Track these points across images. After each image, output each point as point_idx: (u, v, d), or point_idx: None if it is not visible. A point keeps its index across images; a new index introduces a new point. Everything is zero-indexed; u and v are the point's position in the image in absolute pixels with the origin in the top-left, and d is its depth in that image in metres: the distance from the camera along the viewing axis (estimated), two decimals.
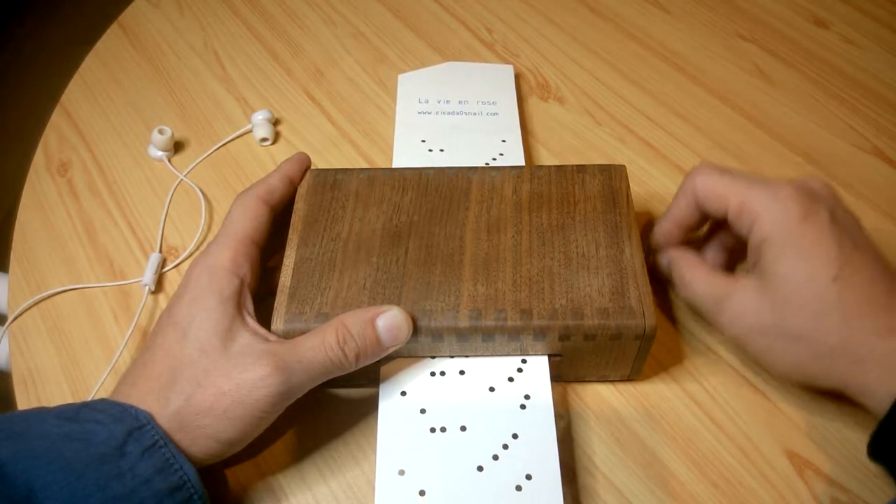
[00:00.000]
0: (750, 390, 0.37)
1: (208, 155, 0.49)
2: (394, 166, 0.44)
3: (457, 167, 0.39)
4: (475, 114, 0.48)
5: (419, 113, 0.48)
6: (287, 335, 0.33)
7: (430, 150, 0.45)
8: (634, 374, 0.36)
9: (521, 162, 0.44)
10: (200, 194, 0.46)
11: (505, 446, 0.32)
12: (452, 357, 0.35)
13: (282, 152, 0.49)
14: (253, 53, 0.55)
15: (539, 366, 0.34)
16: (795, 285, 0.31)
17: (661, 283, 0.41)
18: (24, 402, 0.38)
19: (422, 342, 0.34)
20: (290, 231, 0.36)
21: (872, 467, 0.34)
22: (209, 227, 0.45)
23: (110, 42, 0.57)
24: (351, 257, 0.35)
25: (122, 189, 0.47)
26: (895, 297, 0.31)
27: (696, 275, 0.35)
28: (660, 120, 0.50)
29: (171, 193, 0.46)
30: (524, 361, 0.35)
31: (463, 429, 0.33)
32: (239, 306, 0.33)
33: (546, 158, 0.48)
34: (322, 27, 0.57)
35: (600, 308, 0.33)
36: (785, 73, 0.52)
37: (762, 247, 0.32)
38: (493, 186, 0.38)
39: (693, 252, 0.37)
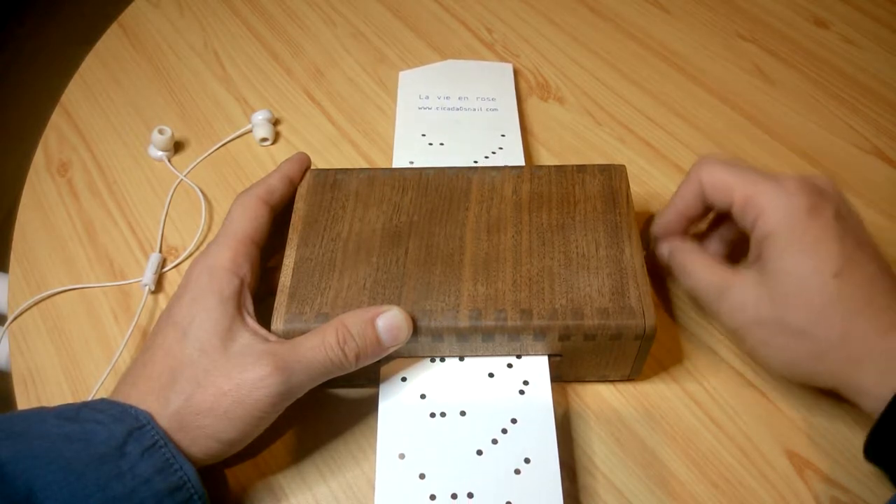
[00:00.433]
0: (750, 390, 0.37)
1: (208, 155, 0.49)
2: (394, 159, 0.45)
3: (457, 167, 0.39)
4: (475, 109, 0.48)
5: (419, 108, 0.48)
6: (287, 335, 0.33)
7: (431, 144, 0.45)
8: (634, 374, 0.36)
9: (520, 156, 0.45)
10: (200, 194, 0.46)
11: (504, 431, 0.32)
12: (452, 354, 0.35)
13: (282, 152, 0.49)
14: (253, 53, 0.55)
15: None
16: (797, 280, 0.31)
17: (661, 283, 0.41)
18: (24, 402, 0.38)
19: (422, 342, 0.34)
20: (290, 231, 0.36)
21: (872, 467, 0.34)
22: (209, 227, 0.45)
23: (110, 42, 0.57)
24: (351, 257, 0.35)
25: (122, 189, 0.47)
26: (895, 296, 0.31)
27: (697, 265, 0.35)
28: (660, 120, 0.50)
29: (171, 193, 0.46)
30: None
31: (463, 413, 0.33)
32: (239, 306, 0.33)
33: (546, 158, 0.48)
34: (322, 27, 0.57)
35: (600, 308, 0.33)
36: (785, 73, 0.52)
37: (766, 241, 0.32)
38: (493, 186, 0.38)
39: (695, 242, 0.37)
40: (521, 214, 0.37)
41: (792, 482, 0.34)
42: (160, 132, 0.47)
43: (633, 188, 0.45)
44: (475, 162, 0.44)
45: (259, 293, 0.35)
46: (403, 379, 0.34)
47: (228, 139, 0.49)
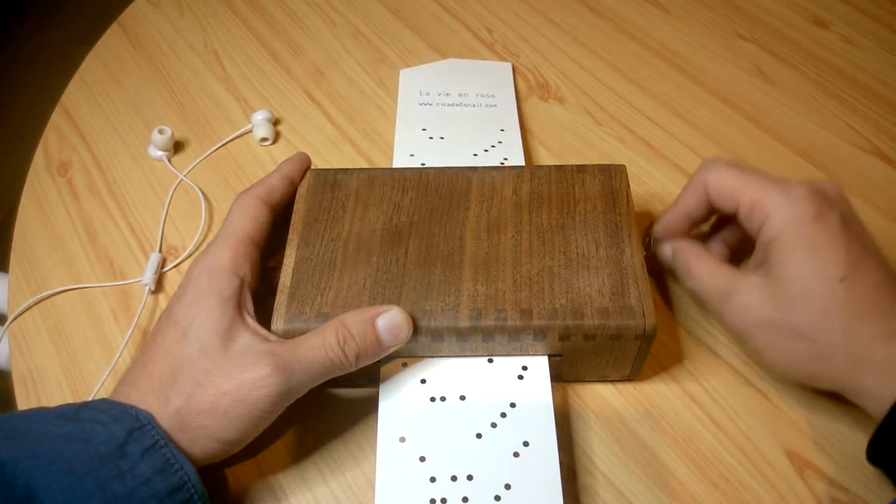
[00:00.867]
0: (750, 390, 0.37)
1: (208, 155, 0.49)
2: (395, 152, 0.45)
3: (457, 167, 0.39)
4: (474, 106, 0.49)
5: (420, 104, 0.49)
6: (287, 335, 0.33)
7: (431, 138, 0.46)
8: (634, 374, 0.36)
9: (519, 150, 0.45)
10: (200, 194, 0.46)
11: (503, 415, 0.33)
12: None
13: (282, 152, 0.49)
14: (253, 53, 0.55)
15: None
16: (803, 284, 0.31)
17: (661, 283, 0.41)
18: (24, 402, 0.38)
19: (422, 342, 0.34)
20: (290, 231, 0.36)
21: (873, 468, 0.34)
22: (209, 227, 0.45)
23: (110, 42, 0.57)
24: (351, 257, 0.35)
25: (122, 189, 0.47)
26: None
27: (702, 266, 0.35)
28: (660, 120, 0.50)
29: (171, 193, 0.46)
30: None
31: (462, 398, 0.33)
32: (239, 306, 0.33)
33: (546, 158, 0.48)
34: (322, 27, 0.57)
35: (600, 308, 0.33)
36: (785, 73, 0.52)
37: (771, 245, 0.32)
38: (493, 186, 0.38)
39: (698, 243, 0.37)
40: (521, 214, 0.37)
41: (792, 482, 0.34)
42: (160, 132, 0.47)
43: (633, 188, 0.45)
44: (475, 155, 0.44)
45: (259, 293, 0.35)
46: (404, 364, 0.35)
47: (228, 139, 0.49)
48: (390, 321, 0.32)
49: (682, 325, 0.39)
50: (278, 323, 0.33)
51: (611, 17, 0.57)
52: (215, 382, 0.30)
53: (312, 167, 0.40)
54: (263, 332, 0.33)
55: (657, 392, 0.37)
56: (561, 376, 0.36)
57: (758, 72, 0.52)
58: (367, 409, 0.36)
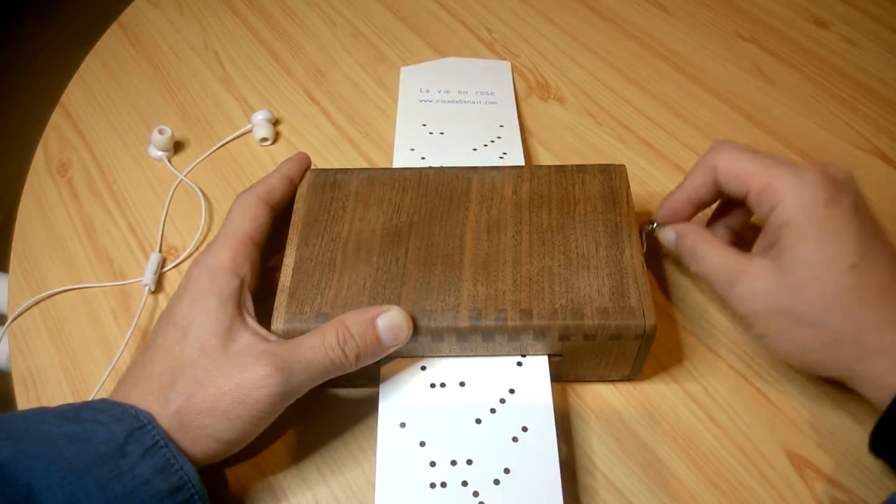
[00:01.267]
0: (750, 390, 0.37)
1: (208, 155, 0.49)
2: (396, 147, 0.45)
3: (457, 167, 0.39)
4: (474, 103, 0.49)
5: (420, 101, 0.49)
6: (287, 335, 0.33)
7: (431, 133, 0.46)
8: (634, 374, 0.36)
9: (517, 146, 0.45)
10: (200, 194, 0.46)
11: (502, 400, 0.33)
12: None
13: (282, 152, 0.49)
14: (253, 53, 0.55)
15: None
16: (814, 269, 0.31)
17: (661, 283, 0.41)
18: (24, 402, 0.38)
19: (422, 342, 0.34)
20: (290, 231, 0.36)
21: (872, 467, 0.34)
22: (209, 227, 0.45)
23: (110, 42, 0.57)
24: (351, 257, 0.35)
25: (122, 189, 0.47)
26: None
27: (709, 249, 0.35)
28: (660, 120, 0.50)
29: (171, 193, 0.46)
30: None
31: (462, 384, 0.34)
32: (239, 306, 0.33)
33: (546, 158, 0.48)
34: (322, 27, 0.57)
35: (600, 308, 0.33)
36: (785, 73, 0.52)
37: (782, 229, 0.32)
38: (493, 186, 0.38)
39: (703, 227, 0.37)
40: (521, 214, 0.37)
41: (792, 482, 0.34)
42: (160, 132, 0.47)
43: (633, 188, 0.45)
44: (474, 150, 0.45)
45: (259, 293, 0.35)
46: None
47: (228, 139, 0.49)
48: (390, 321, 0.32)
49: (682, 325, 0.39)
50: (278, 323, 0.33)
51: (611, 17, 0.57)
52: (215, 382, 0.30)
53: (312, 167, 0.40)
54: (263, 332, 0.33)
55: (657, 392, 0.37)
56: (561, 376, 0.36)
57: (758, 72, 0.52)
58: (367, 409, 0.36)
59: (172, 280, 0.43)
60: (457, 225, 0.36)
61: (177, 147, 0.49)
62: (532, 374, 0.34)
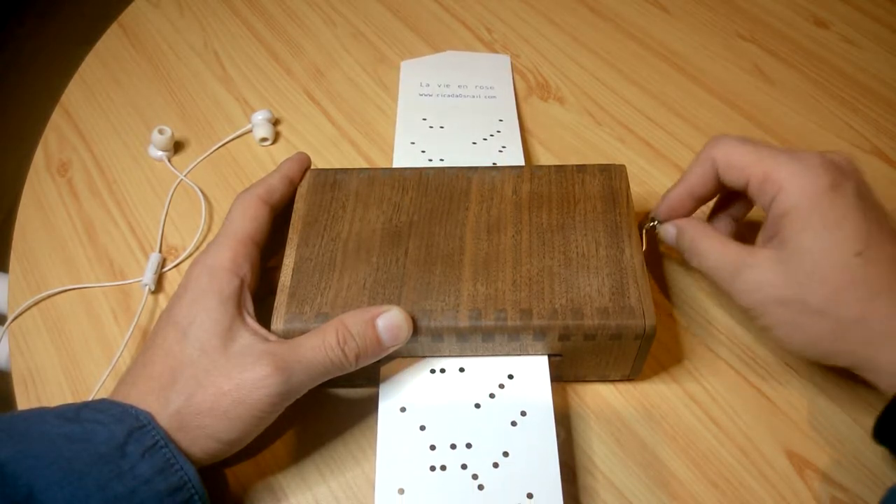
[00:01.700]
0: (750, 390, 0.37)
1: (208, 155, 0.49)
2: (396, 141, 0.45)
3: (457, 167, 0.39)
4: (474, 97, 0.50)
5: (420, 95, 0.50)
6: (287, 335, 0.33)
7: (431, 127, 0.47)
8: (634, 374, 0.36)
9: (516, 141, 0.45)
10: (200, 194, 0.46)
11: (501, 386, 0.34)
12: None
13: (282, 152, 0.49)
14: (253, 53, 0.55)
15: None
16: (819, 257, 0.31)
17: (661, 282, 0.41)
18: (24, 402, 0.38)
19: (422, 342, 0.34)
20: (290, 231, 0.36)
21: (872, 466, 0.34)
22: (209, 227, 0.45)
23: (110, 42, 0.57)
24: (351, 257, 0.35)
25: (122, 189, 0.47)
26: None
27: (711, 244, 0.34)
28: (660, 120, 0.50)
29: (171, 193, 0.46)
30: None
31: (461, 370, 0.34)
32: (239, 306, 0.33)
33: (546, 158, 0.48)
34: (322, 27, 0.57)
35: (600, 308, 0.33)
36: (785, 73, 0.52)
37: (785, 218, 0.31)
38: (493, 186, 0.38)
39: (704, 221, 0.37)
40: (521, 214, 0.37)
41: (792, 482, 0.34)
42: (160, 132, 0.47)
43: (633, 188, 0.45)
44: (473, 143, 0.45)
45: (259, 293, 0.35)
46: None
47: (228, 139, 0.49)
48: (390, 321, 0.32)
49: (682, 325, 0.39)
50: (278, 323, 0.33)
51: (611, 17, 0.57)
52: (215, 382, 0.30)
53: (312, 167, 0.40)
54: (263, 332, 0.33)
55: (657, 392, 0.37)
56: (561, 376, 0.36)
57: (758, 72, 0.52)
58: (367, 409, 0.36)
59: (172, 280, 0.43)
60: (457, 225, 0.36)
61: (177, 147, 0.49)
62: (530, 359, 0.34)
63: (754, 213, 0.37)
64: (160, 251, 0.44)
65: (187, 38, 0.57)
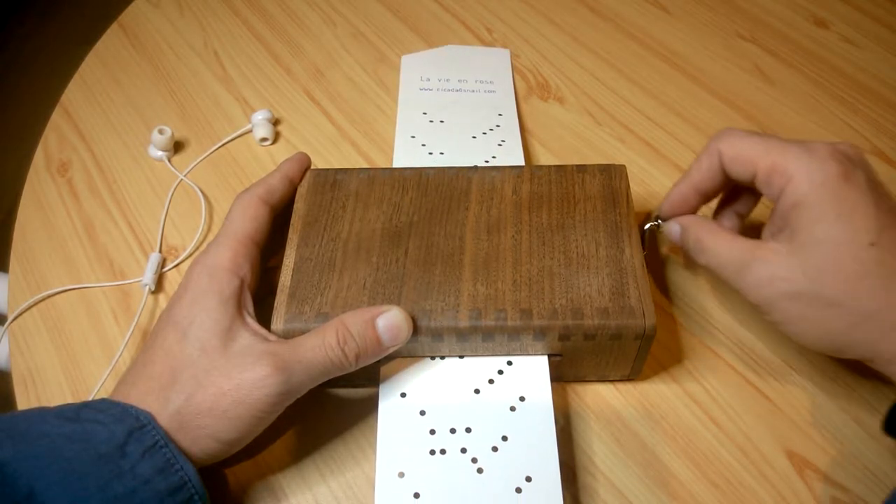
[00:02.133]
0: (750, 390, 0.37)
1: (208, 155, 0.49)
2: (397, 135, 0.46)
3: (457, 167, 0.39)
4: (473, 91, 0.50)
5: (421, 89, 0.50)
6: (287, 335, 0.33)
7: (431, 121, 0.47)
8: (634, 374, 0.36)
9: (516, 136, 0.46)
10: (200, 194, 0.46)
11: (500, 372, 0.34)
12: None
13: (282, 152, 0.49)
14: (253, 53, 0.55)
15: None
16: (832, 249, 0.30)
17: (661, 283, 0.41)
18: (24, 402, 0.38)
19: (422, 342, 0.34)
20: (290, 231, 0.36)
21: (873, 467, 0.34)
22: (209, 227, 0.45)
23: (110, 42, 0.57)
24: (351, 257, 0.35)
25: (122, 189, 0.47)
26: None
27: (717, 240, 0.34)
28: (660, 120, 0.50)
29: (171, 193, 0.46)
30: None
31: (461, 357, 0.35)
32: (239, 306, 0.33)
33: (546, 158, 0.48)
34: (322, 27, 0.57)
35: (600, 308, 0.33)
36: (785, 73, 0.52)
37: (795, 209, 0.31)
38: (493, 186, 0.38)
39: (708, 218, 0.36)
40: (521, 214, 0.37)
41: (792, 482, 0.34)
42: (160, 132, 0.47)
43: (633, 188, 0.45)
44: (473, 137, 0.46)
45: (259, 293, 0.35)
46: None
47: (228, 139, 0.49)
48: (390, 321, 0.32)
49: (682, 325, 0.39)
50: (278, 323, 0.33)
51: (611, 17, 0.57)
52: (215, 382, 0.30)
53: (312, 167, 0.40)
54: (263, 332, 0.33)
55: (657, 392, 0.37)
56: (561, 376, 0.36)
57: (758, 72, 0.52)
58: (367, 409, 0.36)
59: (172, 280, 0.43)
60: (457, 225, 0.36)
61: (177, 147, 0.49)
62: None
63: (756, 215, 0.37)
64: (160, 251, 0.44)
65: (187, 38, 0.57)
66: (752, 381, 0.37)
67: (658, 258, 0.42)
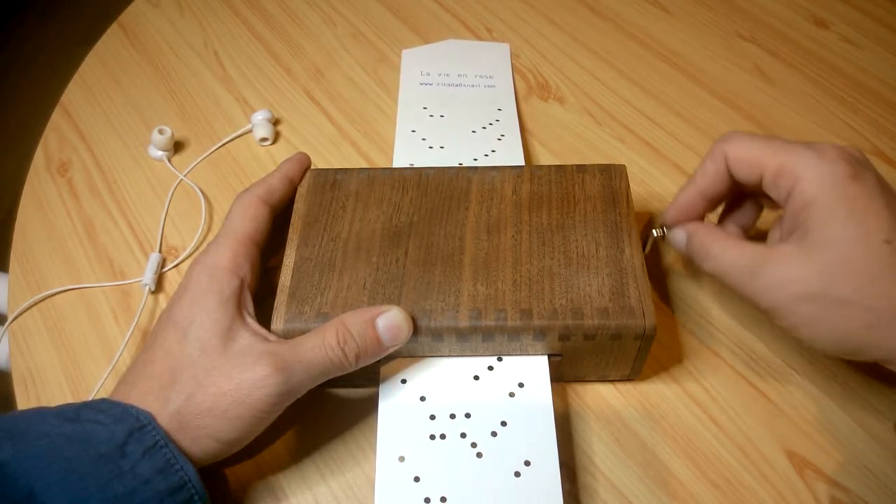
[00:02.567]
0: (750, 390, 0.37)
1: (208, 155, 0.49)
2: (398, 130, 0.46)
3: (457, 167, 0.39)
4: (473, 86, 0.51)
5: (421, 84, 0.51)
6: (287, 335, 0.33)
7: (431, 116, 0.48)
8: (634, 374, 0.36)
9: (515, 130, 0.46)
10: (200, 194, 0.46)
11: (499, 358, 0.35)
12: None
13: (282, 152, 0.49)
14: (253, 53, 0.55)
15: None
16: (845, 249, 0.29)
17: (661, 283, 0.41)
18: (24, 402, 0.38)
19: (422, 342, 0.34)
20: (290, 231, 0.36)
21: (873, 467, 0.34)
22: (209, 227, 0.45)
23: (110, 42, 0.57)
24: (351, 257, 0.35)
25: (122, 189, 0.47)
26: None
27: (724, 246, 0.33)
28: (660, 120, 0.50)
29: (171, 193, 0.46)
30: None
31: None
32: (239, 306, 0.33)
33: (546, 158, 0.48)
34: (322, 27, 0.57)
35: (600, 308, 0.33)
36: (785, 73, 0.52)
37: (806, 210, 0.30)
38: (493, 186, 0.38)
39: (714, 224, 0.36)
40: (521, 214, 0.37)
41: (792, 482, 0.34)
42: (160, 132, 0.47)
43: (633, 188, 0.45)
44: (473, 132, 0.46)
45: (259, 293, 0.35)
46: None
47: (228, 139, 0.49)
48: (390, 321, 0.32)
49: (682, 325, 0.39)
50: (278, 323, 0.33)
51: (611, 17, 0.57)
52: (215, 382, 0.30)
53: (312, 167, 0.40)
54: (263, 332, 0.33)
55: (657, 392, 0.37)
56: (561, 376, 0.36)
57: (758, 72, 0.52)
58: (367, 409, 0.36)
59: (172, 280, 0.43)
60: (457, 225, 0.36)
61: (177, 147, 0.49)
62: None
63: (757, 225, 0.37)
64: (160, 251, 0.44)
65: (187, 38, 0.57)
66: (752, 382, 0.37)
67: (659, 258, 0.42)
